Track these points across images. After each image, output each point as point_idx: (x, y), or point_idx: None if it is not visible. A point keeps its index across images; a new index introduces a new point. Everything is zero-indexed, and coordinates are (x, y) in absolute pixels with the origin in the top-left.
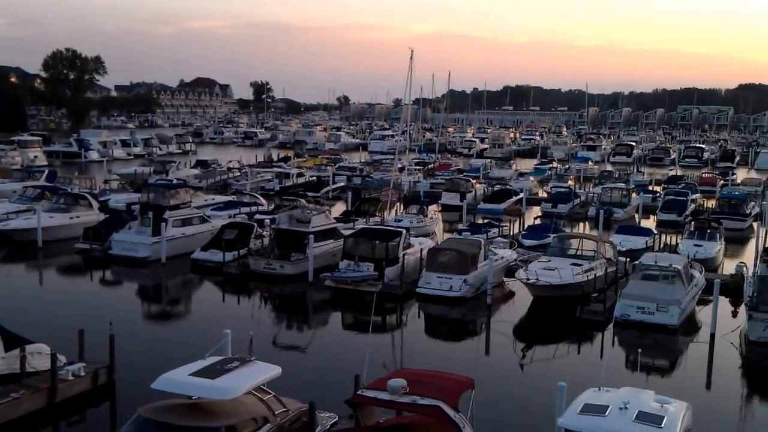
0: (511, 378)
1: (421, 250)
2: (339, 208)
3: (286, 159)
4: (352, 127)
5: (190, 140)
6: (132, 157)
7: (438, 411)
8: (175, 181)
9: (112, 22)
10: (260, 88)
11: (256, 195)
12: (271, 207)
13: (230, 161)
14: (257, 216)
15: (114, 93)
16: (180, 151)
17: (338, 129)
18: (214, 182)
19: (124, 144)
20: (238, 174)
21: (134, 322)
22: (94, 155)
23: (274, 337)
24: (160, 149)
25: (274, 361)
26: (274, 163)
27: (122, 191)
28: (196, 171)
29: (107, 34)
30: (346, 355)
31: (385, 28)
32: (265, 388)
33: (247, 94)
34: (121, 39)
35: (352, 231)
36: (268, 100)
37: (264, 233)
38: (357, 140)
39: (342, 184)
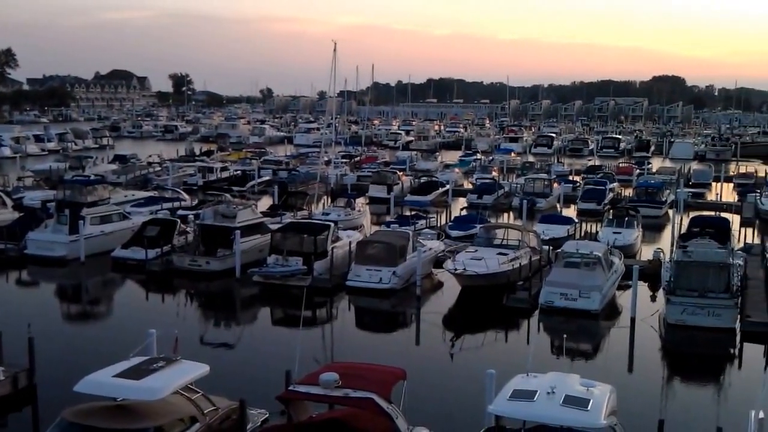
0: (441, 367)
1: (350, 243)
2: (265, 203)
3: (209, 153)
4: (276, 119)
5: (107, 134)
6: (46, 152)
7: (371, 403)
8: (92, 177)
9: (24, 13)
10: (180, 81)
11: (179, 190)
12: (195, 202)
13: (150, 156)
14: (180, 212)
15: (26, 86)
16: (97, 145)
17: (262, 122)
18: (133, 178)
19: (38, 139)
20: (159, 169)
21: (54, 324)
22: (6, 151)
23: (201, 335)
24: (76, 144)
25: (202, 360)
26: (196, 158)
27: (37, 188)
28: (114, 166)
29: (18, 26)
30: (276, 350)
31: (309, 20)
32: (193, 387)
33: (167, 86)
34: (33, 30)
35: (280, 225)
36: (189, 92)
37: (188, 229)
38: (282, 133)
39: (268, 177)
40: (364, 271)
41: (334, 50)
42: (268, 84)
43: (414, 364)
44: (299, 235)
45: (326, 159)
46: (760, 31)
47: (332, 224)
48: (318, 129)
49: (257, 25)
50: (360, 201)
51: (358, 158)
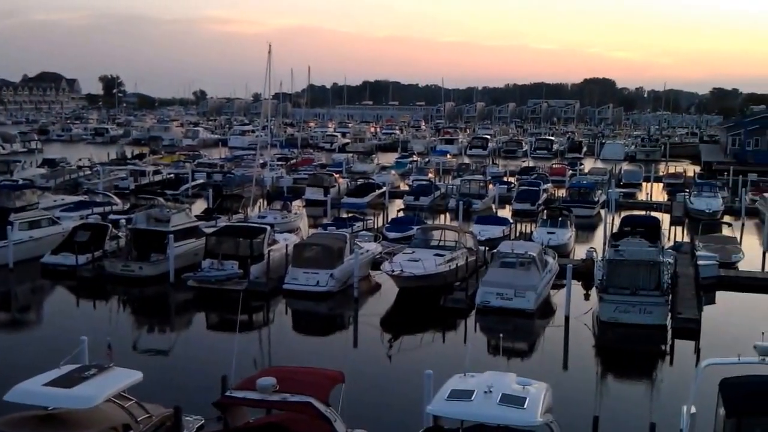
0: (379, 369)
1: (287, 246)
2: (200, 206)
3: (140, 156)
4: (210, 122)
5: (36, 138)
6: None
7: (309, 407)
8: (20, 182)
9: None
10: (110, 83)
11: (110, 194)
12: (127, 206)
13: (80, 159)
14: (112, 216)
15: None
16: (25, 149)
17: (196, 124)
18: (63, 182)
19: None
20: (90, 173)
21: None
22: None
23: (134, 341)
24: (3, 148)
25: (136, 367)
26: (128, 161)
27: None
28: (42, 170)
29: None
30: (212, 356)
31: (243, 22)
32: (126, 394)
33: (97, 88)
34: None
35: (215, 229)
36: (119, 94)
37: (120, 234)
38: (216, 136)
39: (202, 181)
40: (301, 274)
41: (269, 52)
42: (201, 86)
43: (352, 367)
44: (235, 239)
45: (262, 162)
46: (688, 34)
47: (268, 227)
48: (253, 131)
49: (190, 26)
50: (296, 204)
51: (294, 161)
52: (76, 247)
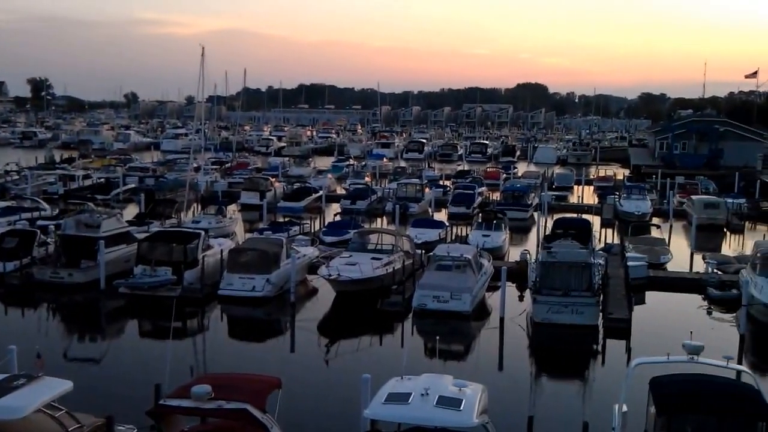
0: (317, 374)
1: (222, 251)
2: (131, 211)
3: (70, 160)
4: (142, 125)
5: None
6: None
7: (245, 414)
8: None
9: None
10: (39, 85)
11: (38, 199)
12: (56, 212)
13: (7, 164)
14: (40, 222)
15: None
16: None
17: (127, 128)
18: None
19: None
20: (17, 177)
21: None
22: None
23: (64, 350)
24: None
25: (66, 376)
26: (57, 165)
27: None
28: None
29: None
30: (145, 364)
31: (176, 24)
32: (56, 404)
33: (24, 91)
34: None
35: (147, 234)
36: (48, 97)
37: (48, 240)
38: (148, 139)
39: (133, 185)
40: (237, 279)
41: (203, 54)
42: (133, 88)
43: (289, 373)
44: (168, 244)
45: (195, 165)
46: (618, 41)
47: (202, 232)
48: (186, 135)
49: (122, 29)
50: (231, 208)
51: (229, 164)
52: (3, 253)
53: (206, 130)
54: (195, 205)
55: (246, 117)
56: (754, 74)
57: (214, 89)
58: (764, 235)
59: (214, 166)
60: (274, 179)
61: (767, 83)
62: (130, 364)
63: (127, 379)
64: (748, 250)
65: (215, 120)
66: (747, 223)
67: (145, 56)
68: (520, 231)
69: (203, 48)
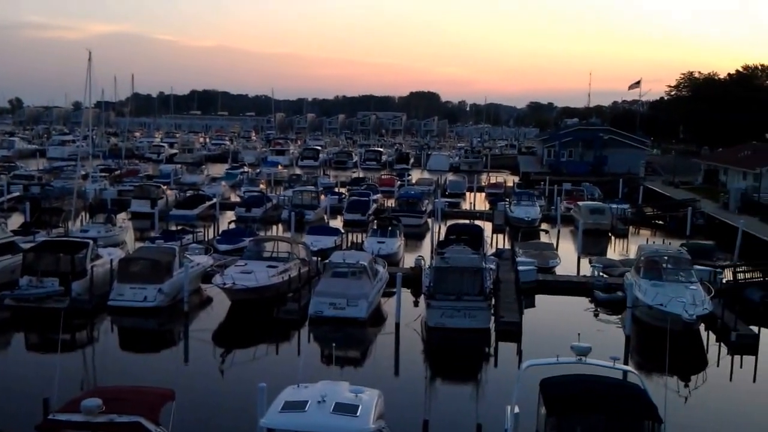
0: (212, 384)
1: (111, 260)
2: (16, 220)
3: None
4: (27, 131)
5: None
6: None
7: (138, 427)
8: None
9: None
10: None
11: None
12: None
13: None
14: None
15: None
16: None
17: (11, 134)
18: None
19: None
20: None
21: None
22: None
23: None
24: None
25: None
26: None
27: None
28: None
29: None
30: (33, 378)
31: (62, 28)
32: None
33: None
34: None
35: (33, 244)
36: None
37: None
38: (34, 146)
39: (18, 193)
40: (128, 289)
41: (89, 59)
42: (17, 94)
43: (183, 384)
44: (55, 254)
45: (83, 173)
46: (507, 51)
47: (91, 241)
48: (74, 141)
49: (6, 32)
50: (121, 216)
51: (119, 172)
52: None
53: (94, 137)
54: (83, 213)
55: (136, 123)
56: (637, 84)
57: (102, 95)
58: (647, 239)
59: (103, 174)
60: (165, 187)
61: (649, 93)
62: (17, 379)
63: (13, 393)
64: (632, 254)
65: (104, 126)
66: (631, 228)
67: (30, 61)
68: (415, 237)
69: (90, 52)
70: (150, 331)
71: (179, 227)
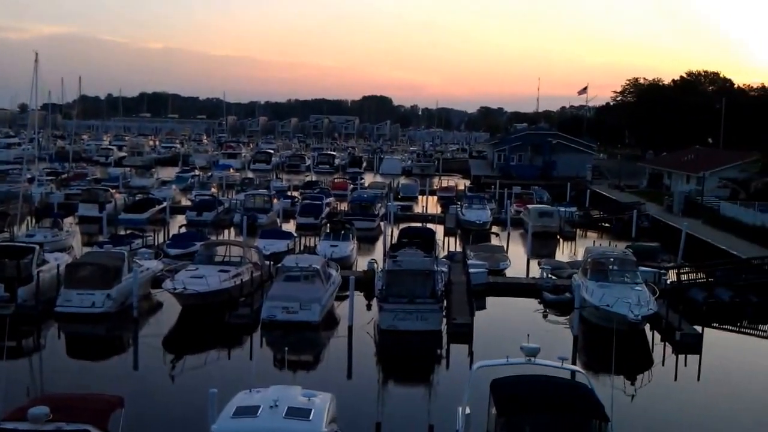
0: (162, 391)
1: (58, 266)
2: None
3: None
4: None
5: None
6: None
7: None
8: None
9: None
10: None
11: None
12: None
13: None
14: None
15: None
16: None
17: None
18: None
19: None
20: None
21: None
22: None
23: None
24: None
25: None
26: None
27: None
28: None
29: None
30: None
31: (9, 29)
32: None
33: None
34: None
35: None
36: None
37: None
38: None
39: None
40: (75, 295)
41: (36, 60)
42: None
43: (133, 390)
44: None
45: (29, 176)
46: (457, 55)
47: (37, 246)
48: (19, 144)
49: None
50: (68, 221)
51: (66, 175)
52: None
53: (41, 139)
54: (29, 217)
55: (84, 126)
56: (585, 90)
57: (48, 97)
58: (594, 241)
59: (50, 177)
60: (114, 190)
61: (596, 98)
62: None
63: None
64: (580, 256)
65: (50, 129)
66: (578, 231)
67: None
68: (368, 241)
69: (37, 54)
70: (98, 338)
71: (128, 231)
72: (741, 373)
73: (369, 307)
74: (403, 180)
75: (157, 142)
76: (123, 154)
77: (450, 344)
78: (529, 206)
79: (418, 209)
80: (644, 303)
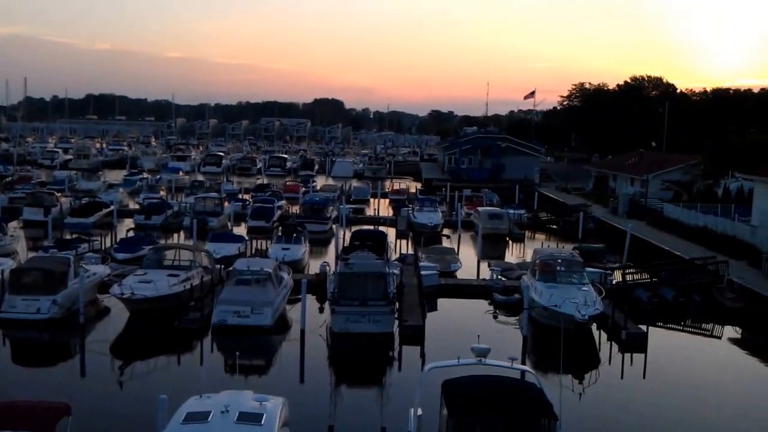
0: (110, 398)
1: (2, 271)
2: None
3: None
4: None
5: None
6: None
7: None
8: None
9: None
10: None
11: None
12: None
13: None
14: None
15: None
16: None
17: None
18: None
19: None
20: None
21: None
22: None
23: None
24: None
25: None
26: None
27: None
28: None
29: None
30: None
31: None
32: None
33: None
34: None
35: None
36: None
37: None
38: None
39: None
40: (20, 301)
41: None
42: None
43: (79, 398)
44: None
45: None
46: (409, 60)
47: None
48: None
49: None
50: (12, 225)
51: (10, 178)
52: None
53: None
54: None
55: (29, 128)
56: (532, 94)
57: None
58: (542, 243)
59: None
60: (60, 194)
61: (543, 102)
62: None
63: None
64: (528, 258)
65: None
66: (527, 232)
67: None
68: (320, 243)
69: None
70: (44, 344)
71: (74, 236)
72: (685, 370)
73: (321, 310)
74: (354, 183)
75: (104, 145)
76: (69, 156)
77: (402, 346)
78: (479, 209)
79: (369, 212)
80: (591, 303)
